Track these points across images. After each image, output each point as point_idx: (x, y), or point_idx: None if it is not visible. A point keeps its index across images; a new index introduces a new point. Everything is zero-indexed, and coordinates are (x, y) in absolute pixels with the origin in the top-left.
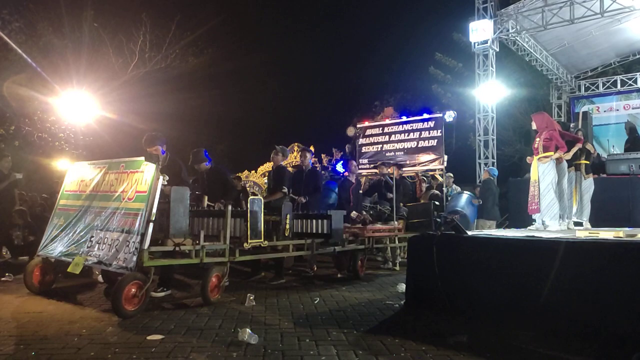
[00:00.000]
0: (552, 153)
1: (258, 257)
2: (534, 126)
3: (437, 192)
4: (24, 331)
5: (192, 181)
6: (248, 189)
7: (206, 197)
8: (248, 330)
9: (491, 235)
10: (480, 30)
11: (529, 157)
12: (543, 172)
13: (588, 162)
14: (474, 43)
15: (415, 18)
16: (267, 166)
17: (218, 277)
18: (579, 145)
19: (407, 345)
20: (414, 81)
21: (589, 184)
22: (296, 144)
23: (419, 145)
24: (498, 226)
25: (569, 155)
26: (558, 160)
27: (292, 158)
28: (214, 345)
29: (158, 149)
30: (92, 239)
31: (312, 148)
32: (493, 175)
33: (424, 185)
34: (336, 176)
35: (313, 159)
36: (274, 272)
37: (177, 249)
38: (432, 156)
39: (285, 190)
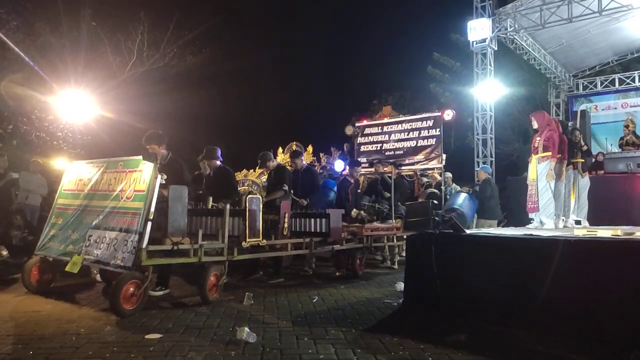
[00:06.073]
0: (550, 153)
1: (256, 256)
2: (534, 125)
3: (435, 190)
4: (22, 330)
5: (192, 179)
6: (247, 188)
7: (211, 198)
8: (246, 329)
9: (489, 233)
10: (479, 29)
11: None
12: (541, 172)
13: (584, 160)
14: (472, 42)
15: (414, 17)
16: None
17: (216, 276)
18: (564, 162)
19: (406, 343)
20: (412, 80)
21: (585, 182)
22: (294, 143)
23: (418, 144)
24: (498, 225)
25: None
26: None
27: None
28: (212, 344)
29: (156, 147)
30: (90, 238)
31: (310, 147)
32: (489, 172)
33: (423, 183)
34: (335, 175)
35: (312, 158)
36: (272, 270)
37: (175, 247)
38: (430, 155)
39: (286, 188)
